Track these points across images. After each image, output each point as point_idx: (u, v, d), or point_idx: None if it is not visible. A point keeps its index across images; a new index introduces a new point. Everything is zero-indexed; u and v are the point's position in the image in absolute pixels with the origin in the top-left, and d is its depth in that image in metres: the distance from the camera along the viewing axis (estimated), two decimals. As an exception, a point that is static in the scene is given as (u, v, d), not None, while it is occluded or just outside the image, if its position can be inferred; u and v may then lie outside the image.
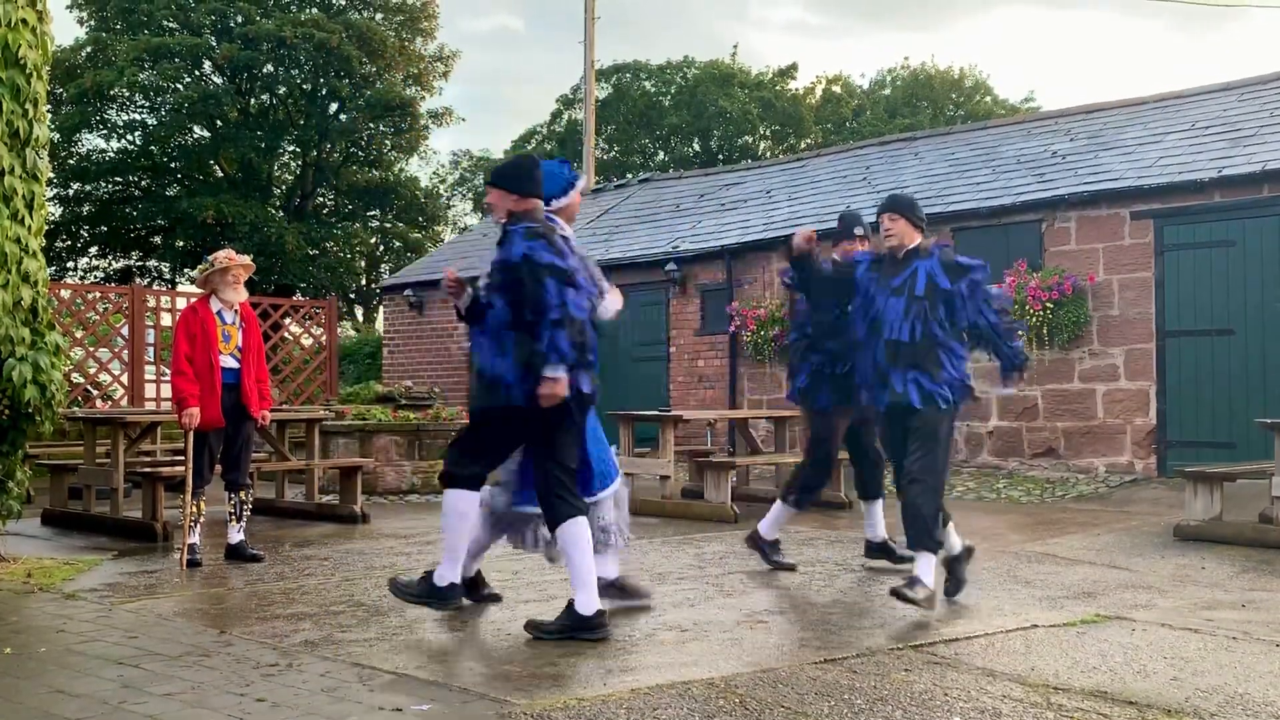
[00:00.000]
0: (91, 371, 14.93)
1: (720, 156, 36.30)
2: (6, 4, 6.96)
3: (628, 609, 5.78)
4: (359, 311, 34.84)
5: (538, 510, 5.49)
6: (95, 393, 14.80)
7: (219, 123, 29.81)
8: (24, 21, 7.05)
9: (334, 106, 30.52)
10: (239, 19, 28.85)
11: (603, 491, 5.77)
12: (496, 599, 6.03)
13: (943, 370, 6.00)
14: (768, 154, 36.21)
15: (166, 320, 15.50)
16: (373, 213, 32.89)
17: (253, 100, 30.73)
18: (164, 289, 27.05)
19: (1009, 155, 13.96)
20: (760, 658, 4.85)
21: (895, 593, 5.71)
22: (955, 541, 6.25)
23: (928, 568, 5.82)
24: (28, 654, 4.97)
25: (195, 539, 7.44)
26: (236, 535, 7.65)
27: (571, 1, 47.53)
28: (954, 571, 6.22)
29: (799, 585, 6.57)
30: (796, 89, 38.14)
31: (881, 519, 7.31)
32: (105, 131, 30.12)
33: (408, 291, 19.01)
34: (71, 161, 29.50)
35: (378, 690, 4.35)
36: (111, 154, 30.36)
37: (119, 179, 30.62)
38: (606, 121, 36.59)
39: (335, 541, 8.51)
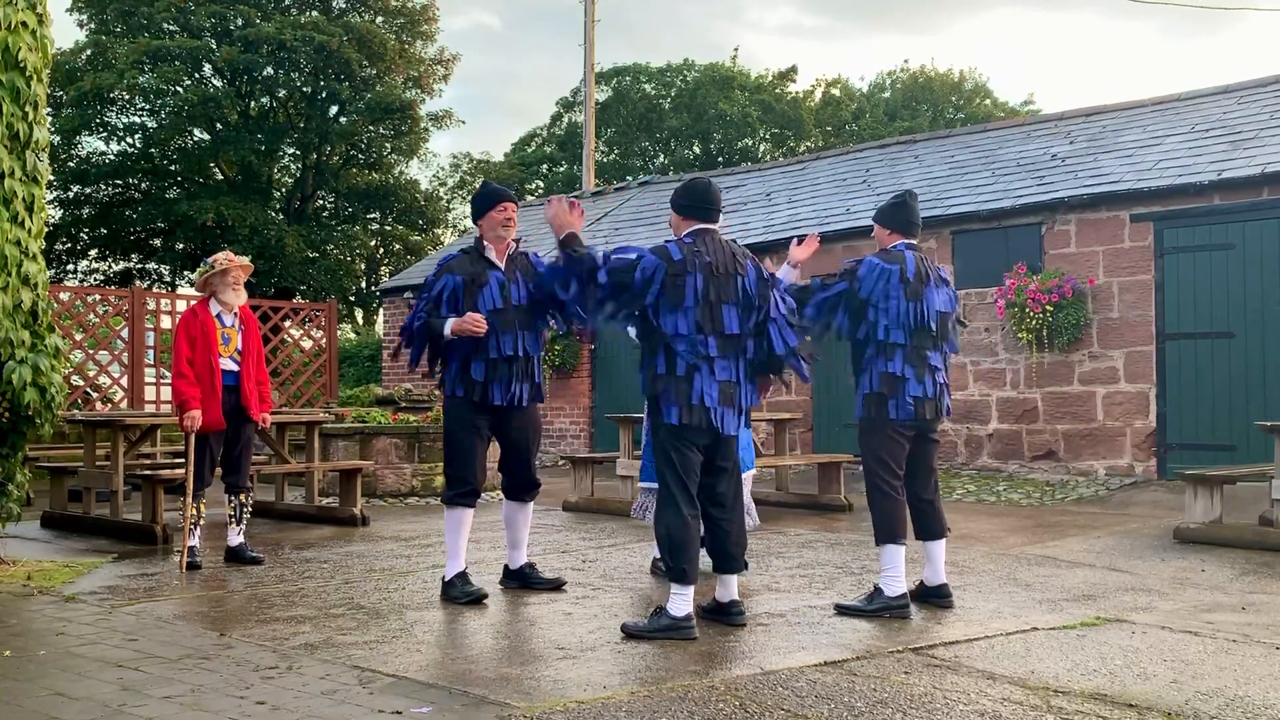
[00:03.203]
0: (91, 374, 14.95)
1: (720, 159, 36.32)
2: (6, 6, 6.97)
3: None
4: (359, 314, 34.84)
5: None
6: (95, 395, 14.81)
7: (219, 125, 29.81)
8: (24, 24, 7.05)
9: (334, 109, 30.51)
10: (239, 22, 28.85)
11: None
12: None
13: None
14: (768, 157, 36.23)
15: (166, 323, 15.52)
16: (373, 215, 32.90)
17: (253, 103, 30.73)
18: (164, 291, 27.06)
19: (1008, 158, 13.95)
20: (760, 660, 4.85)
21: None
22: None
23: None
24: (27, 657, 4.96)
25: (195, 541, 7.44)
26: (236, 538, 7.65)
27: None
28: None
29: (798, 588, 6.57)
30: (796, 92, 38.18)
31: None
32: (105, 134, 30.11)
33: (408, 294, 18.98)
34: (71, 164, 29.49)
35: (378, 693, 4.35)
36: (111, 156, 30.35)
37: (119, 181, 30.61)
38: (606, 124, 36.61)
39: (335, 544, 8.51)
